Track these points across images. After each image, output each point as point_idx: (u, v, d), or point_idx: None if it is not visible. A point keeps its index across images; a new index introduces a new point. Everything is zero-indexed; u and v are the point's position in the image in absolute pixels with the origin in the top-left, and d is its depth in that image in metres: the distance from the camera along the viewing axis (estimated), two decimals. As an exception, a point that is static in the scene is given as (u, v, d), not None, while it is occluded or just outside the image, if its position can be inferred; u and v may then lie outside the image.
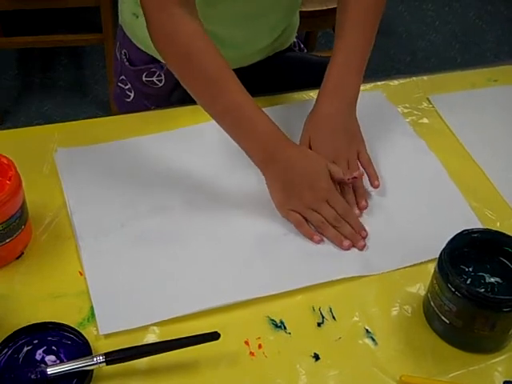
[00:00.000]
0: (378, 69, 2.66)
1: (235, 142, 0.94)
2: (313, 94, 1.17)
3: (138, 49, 1.16)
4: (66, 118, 2.28)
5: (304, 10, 1.90)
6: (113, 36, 2.07)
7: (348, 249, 0.91)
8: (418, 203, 0.99)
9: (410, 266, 0.91)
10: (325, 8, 1.96)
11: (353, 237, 0.92)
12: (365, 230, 0.93)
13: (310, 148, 0.98)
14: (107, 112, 2.29)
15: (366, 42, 1.03)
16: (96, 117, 1.13)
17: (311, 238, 0.92)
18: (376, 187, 0.98)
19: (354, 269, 0.89)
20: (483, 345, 0.82)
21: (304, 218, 0.93)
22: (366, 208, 0.96)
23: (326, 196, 0.92)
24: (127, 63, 1.20)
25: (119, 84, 1.24)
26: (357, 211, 0.96)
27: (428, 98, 1.19)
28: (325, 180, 0.93)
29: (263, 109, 1.11)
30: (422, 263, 0.91)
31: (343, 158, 0.97)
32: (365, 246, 0.92)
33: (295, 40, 1.29)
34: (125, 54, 1.20)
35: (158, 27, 0.93)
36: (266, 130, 0.93)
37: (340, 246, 0.91)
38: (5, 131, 1.10)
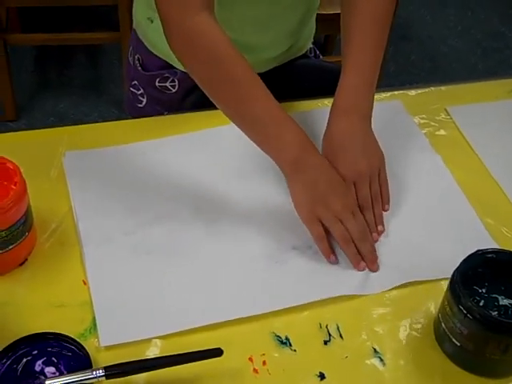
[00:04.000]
0: (398, 74, 2.62)
1: (261, 150, 0.92)
2: (327, 102, 1.14)
3: (152, 54, 1.14)
4: (81, 117, 2.32)
5: (323, 12, 1.87)
6: (130, 35, 2.06)
7: (362, 270, 0.89)
8: (431, 221, 0.97)
9: (422, 284, 0.88)
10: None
11: (371, 256, 0.89)
12: (376, 252, 0.91)
13: None
14: (123, 111, 2.28)
15: (377, 51, 1.00)
16: (111, 116, 1.12)
17: (327, 257, 0.89)
18: (385, 211, 0.96)
19: (361, 286, 0.87)
20: (495, 369, 0.80)
21: (325, 231, 0.90)
22: (382, 233, 0.94)
23: (352, 209, 0.90)
24: (140, 68, 1.18)
25: (131, 89, 1.23)
26: (375, 235, 0.93)
27: (446, 109, 1.16)
28: (352, 193, 0.92)
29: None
30: (433, 281, 0.89)
31: (365, 180, 0.94)
32: (378, 269, 0.90)
33: (311, 46, 1.27)
34: (138, 59, 1.19)
35: (179, 31, 0.90)
36: (295, 139, 0.91)
37: (356, 266, 0.89)
38: (14, 133, 1.09)
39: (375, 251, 0.90)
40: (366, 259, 0.89)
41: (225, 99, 0.92)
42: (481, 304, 0.80)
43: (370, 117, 0.98)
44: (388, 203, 0.97)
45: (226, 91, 0.91)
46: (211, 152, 1.04)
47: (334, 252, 0.90)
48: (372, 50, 0.99)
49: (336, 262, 0.90)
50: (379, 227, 0.94)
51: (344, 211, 0.89)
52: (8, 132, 1.12)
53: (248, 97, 0.90)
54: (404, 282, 0.88)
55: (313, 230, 0.90)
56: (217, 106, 0.93)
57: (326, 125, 0.99)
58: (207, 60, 0.90)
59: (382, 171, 0.97)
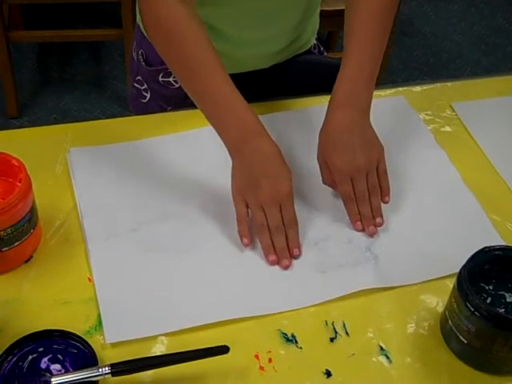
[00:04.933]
0: (401, 70, 2.62)
1: (211, 125, 0.93)
2: (332, 99, 1.14)
3: (155, 49, 1.14)
4: (83, 113, 2.31)
5: (327, 9, 1.87)
6: (133, 32, 2.05)
7: (272, 264, 0.88)
8: (437, 218, 0.97)
9: (428, 281, 0.88)
10: (348, 7, 1.93)
11: (282, 252, 0.88)
12: (298, 250, 0.89)
13: (327, 163, 0.94)
14: (125, 108, 2.28)
15: (378, 43, 0.99)
16: (113, 113, 1.12)
17: (241, 239, 0.89)
18: (386, 203, 0.95)
19: (368, 281, 0.87)
20: (502, 366, 0.80)
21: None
22: (381, 225, 0.94)
23: (281, 200, 0.89)
24: (143, 63, 1.18)
25: (135, 85, 1.23)
26: (372, 228, 0.93)
27: (451, 106, 1.16)
28: (287, 185, 0.90)
29: (281, 112, 1.10)
30: (440, 278, 0.88)
31: (362, 173, 0.93)
32: (288, 266, 0.88)
33: (315, 42, 1.26)
34: (141, 54, 1.18)
35: (149, 12, 0.94)
36: (244, 117, 0.91)
37: (266, 257, 0.88)
38: (18, 130, 1.08)
39: (296, 248, 0.89)
40: (278, 254, 0.88)
41: (180, 77, 0.95)
42: (488, 301, 0.79)
43: (369, 110, 0.96)
44: (388, 195, 0.95)
45: (180, 69, 0.94)
46: (217, 149, 1.03)
47: (248, 237, 0.89)
48: (372, 43, 0.98)
49: (248, 245, 0.89)
50: (377, 219, 0.93)
51: (268, 200, 0.88)
52: (11, 129, 1.11)
53: (197, 75, 0.92)
54: (411, 282, 0.88)
55: (236, 208, 0.90)
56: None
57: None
58: (165, 39, 0.93)
59: (381, 163, 0.95)
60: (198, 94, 0.94)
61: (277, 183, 0.89)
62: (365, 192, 0.93)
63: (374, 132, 0.96)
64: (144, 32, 1.15)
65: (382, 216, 0.94)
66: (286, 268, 0.88)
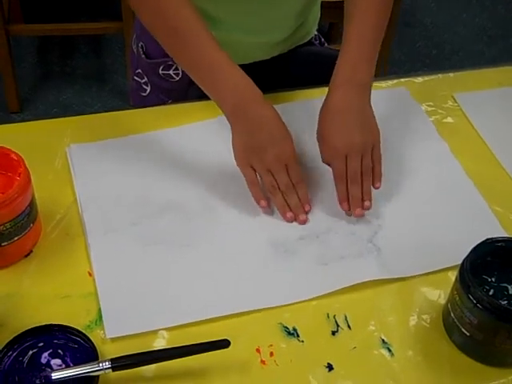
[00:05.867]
0: (403, 61, 2.61)
1: (208, 94, 0.94)
2: (333, 90, 1.13)
3: (155, 41, 1.13)
4: (84, 108, 2.31)
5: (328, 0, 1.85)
6: (133, 25, 2.05)
7: (290, 221, 0.92)
8: (440, 209, 0.96)
9: (430, 273, 0.88)
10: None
11: (297, 208, 0.92)
12: (309, 205, 0.93)
13: (324, 140, 0.95)
14: (126, 102, 2.27)
15: (377, 28, 0.99)
16: (114, 107, 1.11)
17: (258, 202, 0.92)
18: (376, 188, 0.95)
19: (370, 273, 0.86)
20: (504, 359, 0.79)
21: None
22: (368, 208, 0.93)
23: (286, 161, 0.92)
24: (143, 56, 1.17)
25: (135, 78, 1.22)
26: (359, 210, 0.92)
27: (453, 97, 1.15)
28: (290, 146, 0.92)
29: (282, 104, 1.10)
30: (442, 270, 0.88)
31: (357, 152, 0.93)
32: (306, 221, 0.92)
33: (316, 33, 1.26)
34: (141, 47, 1.18)
35: None
36: (241, 83, 0.92)
37: (283, 216, 0.92)
38: (17, 124, 1.08)
39: (307, 204, 0.93)
40: (294, 211, 0.92)
41: (168, 47, 0.96)
42: (490, 293, 0.79)
43: (369, 89, 0.96)
44: (380, 181, 0.95)
45: (168, 38, 0.95)
46: (217, 142, 1.03)
47: (265, 199, 0.92)
48: (372, 29, 0.98)
49: (266, 206, 0.92)
50: (366, 202, 0.93)
51: (275, 162, 0.91)
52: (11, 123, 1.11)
53: (189, 43, 0.92)
54: (413, 274, 0.87)
55: (245, 174, 0.93)
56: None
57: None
58: (151, 9, 0.93)
59: (375, 148, 0.95)
60: (192, 64, 0.94)
61: (280, 145, 0.91)
62: (357, 172, 0.93)
63: (373, 114, 0.96)
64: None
65: (370, 200, 0.93)
66: (303, 223, 0.92)
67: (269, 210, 0.93)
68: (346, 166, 0.92)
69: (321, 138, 0.96)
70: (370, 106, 0.96)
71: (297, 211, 0.92)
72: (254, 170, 0.92)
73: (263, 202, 0.92)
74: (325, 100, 0.97)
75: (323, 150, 0.95)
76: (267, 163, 0.91)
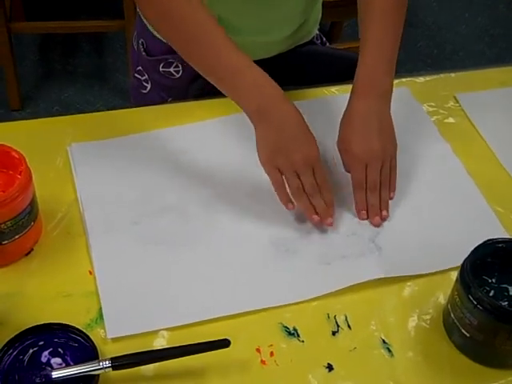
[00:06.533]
0: (405, 61, 2.60)
1: (228, 95, 0.92)
2: (335, 90, 1.13)
3: (156, 38, 1.13)
4: (86, 106, 2.30)
5: (330, -1, 1.85)
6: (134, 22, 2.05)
7: (317, 224, 0.91)
8: (441, 209, 0.96)
9: (431, 274, 0.88)
10: (351, -3, 1.91)
11: (323, 211, 0.91)
12: (333, 208, 0.92)
13: (345, 147, 0.95)
14: (128, 100, 2.27)
15: (395, 34, 0.99)
16: (116, 105, 1.11)
17: (286, 205, 0.91)
18: (390, 199, 0.95)
19: (372, 272, 0.86)
20: (504, 360, 0.79)
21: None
22: (386, 218, 0.93)
23: (313, 163, 0.90)
24: (144, 53, 1.17)
25: (136, 75, 1.22)
26: (377, 219, 0.93)
27: (455, 97, 1.15)
28: (315, 148, 0.91)
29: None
30: (443, 271, 0.88)
31: (377, 161, 0.94)
32: (332, 224, 0.91)
33: (317, 33, 1.25)
34: (142, 44, 1.18)
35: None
36: (264, 84, 0.91)
37: (310, 219, 0.91)
38: (19, 122, 1.08)
39: (331, 206, 0.92)
40: (320, 214, 0.90)
41: (184, 51, 0.94)
42: (490, 294, 0.79)
43: (389, 96, 0.97)
44: (394, 192, 0.96)
45: (183, 43, 0.92)
46: (218, 142, 1.03)
47: (291, 201, 0.91)
48: (392, 32, 0.98)
49: (293, 209, 0.91)
50: (384, 212, 0.93)
51: (302, 164, 0.89)
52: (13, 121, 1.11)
53: (205, 50, 0.91)
54: (414, 273, 0.87)
55: (271, 176, 0.91)
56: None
57: (333, 112, 0.99)
58: (162, 13, 0.91)
59: (393, 158, 0.96)
60: (210, 68, 0.92)
61: (306, 147, 0.91)
62: (377, 182, 0.93)
63: (392, 125, 0.97)
64: (144, 21, 1.14)
65: (388, 210, 0.94)
66: (330, 225, 0.91)
67: (271, 210, 0.93)
68: (365, 175, 0.92)
69: (342, 147, 0.96)
70: (390, 115, 0.97)
71: (324, 214, 0.91)
72: (279, 172, 0.90)
73: (291, 205, 0.90)
74: (346, 108, 0.97)
75: (344, 157, 0.96)
76: (294, 164, 0.89)
